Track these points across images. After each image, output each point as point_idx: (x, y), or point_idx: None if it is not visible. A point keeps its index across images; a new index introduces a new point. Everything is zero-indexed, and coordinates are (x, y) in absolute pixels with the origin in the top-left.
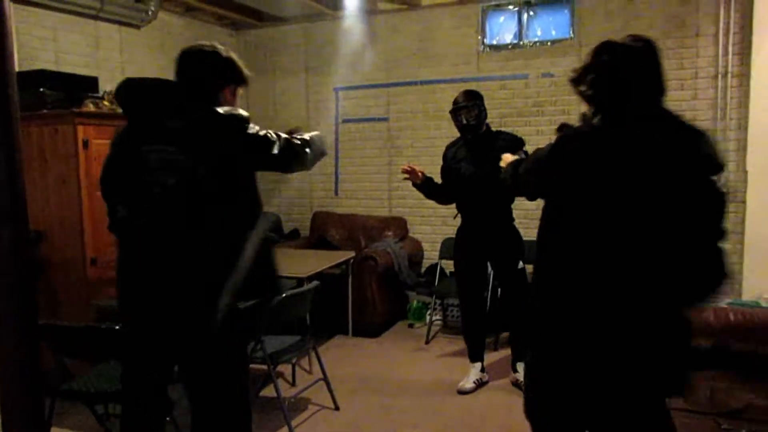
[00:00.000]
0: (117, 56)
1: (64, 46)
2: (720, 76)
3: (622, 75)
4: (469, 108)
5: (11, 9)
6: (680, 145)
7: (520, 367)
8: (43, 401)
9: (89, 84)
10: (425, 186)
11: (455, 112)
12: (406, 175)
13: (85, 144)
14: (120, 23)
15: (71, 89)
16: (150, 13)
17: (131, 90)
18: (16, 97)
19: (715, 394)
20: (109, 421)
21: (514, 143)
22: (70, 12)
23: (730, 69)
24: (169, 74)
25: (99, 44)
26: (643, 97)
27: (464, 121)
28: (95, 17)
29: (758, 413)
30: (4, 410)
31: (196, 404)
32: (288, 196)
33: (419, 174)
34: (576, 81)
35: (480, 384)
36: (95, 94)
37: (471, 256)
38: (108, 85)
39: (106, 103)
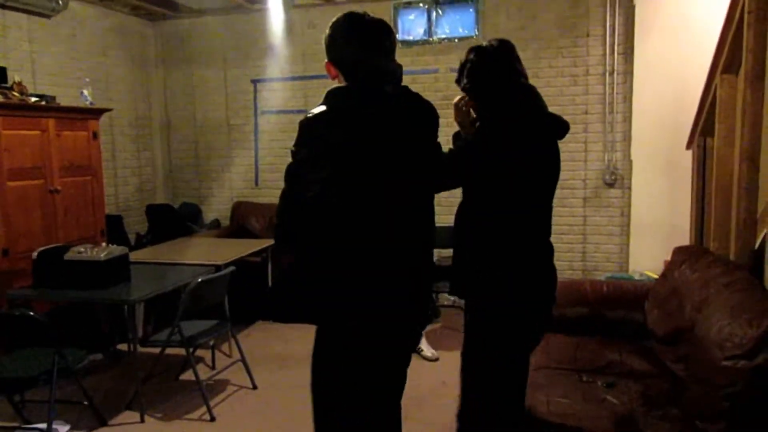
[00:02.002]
0: (26, 46)
1: None
2: (608, 73)
3: (487, 66)
4: None
5: None
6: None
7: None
8: None
9: None
10: None
11: None
12: None
13: None
14: (28, 12)
15: None
16: (60, 2)
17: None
18: None
19: (579, 353)
20: (26, 409)
21: None
22: None
23: (615, 67)
24: (82, 66)
25: (6, 34)
26: (506, 79)
27: None
28: (2, 6)
29: (615, 368)
30: None
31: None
32: (208, 187)
33: None
34: (458, 79)
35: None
36: (4, 85)
37: None
38: (17, 75)
39: (15, 93)
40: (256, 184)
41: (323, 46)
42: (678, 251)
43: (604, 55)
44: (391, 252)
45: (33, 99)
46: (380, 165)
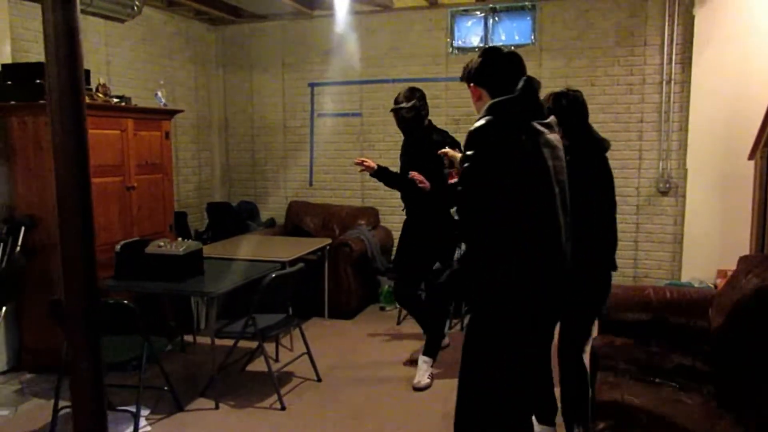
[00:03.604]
0: (103, 49)
1: None
2: (664, 82)
3: (578, 107)
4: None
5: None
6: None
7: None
8: (101, 369)
9: None
10: (380, 176)
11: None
12: (362, 167)
13: None
14: (106, 17)
15: None
16: (135, 8)
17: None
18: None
19: (651, 357)
20: (110, 391)
21: (451, 143)
22: None
23: (673, 76)
24: (150, 68)
25: (86, 37)
26: (583, 118)
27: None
28: (83, 11)
29: (685, 371)
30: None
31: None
32: (264, 186)
33: (371, 165)
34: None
35: (433, 377)
36: (87, 86)
37: (411, 253)
38: (99, 77)
39: (100, 95)
40: (311, 184)
41: (461, 71)
42: (744, 260)
43: (662, 64)
44: (552, 244)
45: (114, 100)
46: (542, 166)
